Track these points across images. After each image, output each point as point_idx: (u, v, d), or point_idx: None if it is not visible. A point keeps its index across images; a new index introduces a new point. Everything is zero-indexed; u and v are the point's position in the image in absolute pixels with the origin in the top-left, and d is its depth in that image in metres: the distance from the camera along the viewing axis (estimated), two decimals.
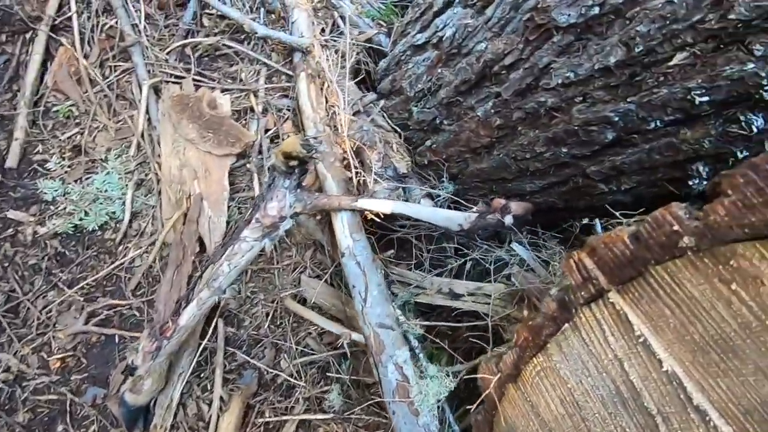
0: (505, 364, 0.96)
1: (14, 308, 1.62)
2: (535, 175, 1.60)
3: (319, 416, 1.70)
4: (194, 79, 1.97)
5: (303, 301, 1.81)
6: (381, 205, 1.54)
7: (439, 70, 1.70)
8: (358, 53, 2.13)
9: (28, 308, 1.62)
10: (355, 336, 1.52)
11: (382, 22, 2.37)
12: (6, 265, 1.66)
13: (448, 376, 1.29)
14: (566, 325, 0.76)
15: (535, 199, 1.71)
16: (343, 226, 1.53)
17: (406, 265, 1.78)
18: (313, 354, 1.76)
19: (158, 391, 1.54)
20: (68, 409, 1.54)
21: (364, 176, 1.68)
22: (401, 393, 1.23)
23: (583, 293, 0.70)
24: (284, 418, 1.68)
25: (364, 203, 1.53)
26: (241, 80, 2.00)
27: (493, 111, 1.52)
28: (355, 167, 1.66)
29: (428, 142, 1.90)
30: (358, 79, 2.14)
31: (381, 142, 1.75)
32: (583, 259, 0.69)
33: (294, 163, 1.35)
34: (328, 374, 1.78)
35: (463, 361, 1.37)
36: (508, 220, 1.66)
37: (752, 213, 0.54)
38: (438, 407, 1.25)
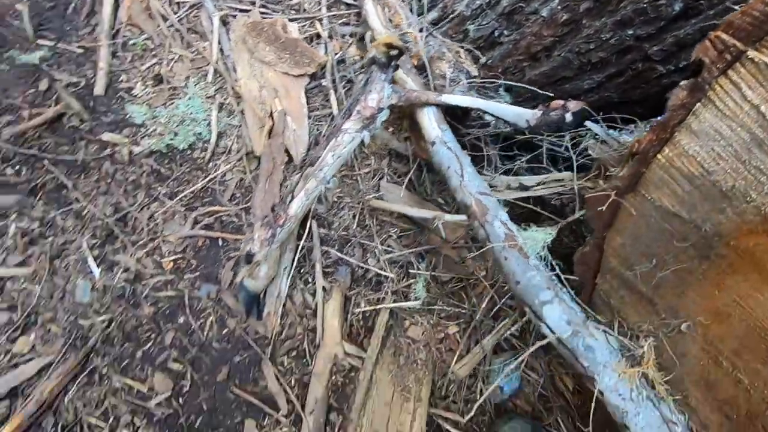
0: (620, 179, 1.13)
1: (123, 218, 1.73)
2: (595, 67, 1.78)
3: (408, 304, 1.86)
4: (260, 11, 2.09)
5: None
6: (462, 100, 1.70)
7: None
8: None
9: (136, 218, 1.73)
10: (448, 217, 1.68)
11: None
12: (109, 181, 1.76)
13: (546, 229, 1.47)
14: (697, 105, 0.93)
15: (590, 97, 1.89)
16: (430, 119, 1.68)
17: (476, 166, 1.94)
18: (395, 252, 1.91)
19: (271, 279, 1.67)
20: (186, 303, 1.66)
21: (437, 81, 1.84)
22: (510, 242, 1.40)
23: (718, 65, 0.87)
24: (378, 307, 1.84)
25: (447, 98, 1.68)
26: (304, 10, 2.12)
27: (559, 7, 1.68)
28: (431, 74, 1.82)
29: (482, 60, 2.07)
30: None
31: (450, 52, 1.91)
32: (719, 35, 0.86)
33: (394, 52, 1.49)
34: (410, 271, 1.94)
35: (557, 220, 1.54)
36: (569, 117, 1.84)
37: None
38: (543, 252, 1.42)
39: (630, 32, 1.58)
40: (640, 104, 1.83)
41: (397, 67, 1.62)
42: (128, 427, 1.47)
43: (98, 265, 1.62)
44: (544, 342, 1.28)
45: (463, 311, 1.96)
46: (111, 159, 1.79)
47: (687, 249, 1.05)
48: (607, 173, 1.41)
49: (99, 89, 1.88)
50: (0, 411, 1.32)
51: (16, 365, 1.40)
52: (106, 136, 1.82)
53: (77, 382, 1.46)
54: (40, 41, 1.85)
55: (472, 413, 1.36)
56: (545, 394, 1.89)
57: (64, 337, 1.48)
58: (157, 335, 1.61)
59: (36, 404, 1.35)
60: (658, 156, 1.04)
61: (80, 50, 1.90)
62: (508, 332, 1.89)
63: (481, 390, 1.90)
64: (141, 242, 1.70)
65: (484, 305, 1.93)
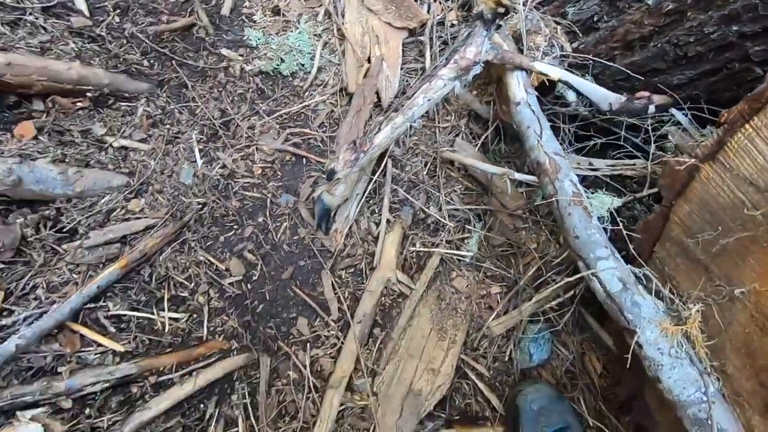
0: (704, 147, 1.20)
1: (226, 123, 1.95)
2: (690, 62, 1.81)
3: (459, 253, 1.98)
4: None
5: (451, 163, 2.09)
6: (553, 71, 1.80)
7: None
8: None
9: (237, 125, 1.95)
10: (518, 176, 1.79)
11: None
12: (220, 90, 1.99)
13: (613, 196, 1.55)
14: None
15: (678, 93, 1.92)
16: (519, 81, 1.79)
17: None
18: (456, 206, 2.03)
19: (344, 199, 1.84)
20: (267, 205, 1.86)
21: (530, 52, 1.93)
22: (576, 200, 1.49)
23: None
24: (431, 250, 1.97)
25: (539, 65, 1.78)
26: None
27: None
28: (526, 44, 1.92)
29: (576, 43, 2.14)
30: None
31: (547, 28, 2.00)
32: None
33: (501, 10, 1.61)
34: (466, 226, 2.06)
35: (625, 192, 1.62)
36: (651, 109, 1.89)
37: None
38: (607, 215, 1.51)
39: (735, 28, 1.61)
40: (727, 107, 1.85)
41: (499, 26, 1.74)
42: (204, 295, 1.69)
43: (201, 157, 1.85)
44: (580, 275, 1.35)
45: (508, 275, 2.06)
46: (225, 71, 2.02)
47: (756, 217, 1.11)
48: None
49: (225, 10, 2.12)
50: (112, 251, 1.57)
51: (128, 219, 1.65)
52: (225, 51, 2.05)
53: (171, 246, 1.69)
54: None
55: None
56: (572, 371, 1.97)
57: (167, 207, 1.71)
58: (238, 227, 1.82)
59: (139, 253, 1.59)
60: (746, 125, 1.11)
61: None
62: (548, 305, 1.97)
63: (510, 352, 2.00)
64: (238, 146, 1.92)
65: (529, 274, 2.03)
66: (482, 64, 1.75)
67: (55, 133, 1.65)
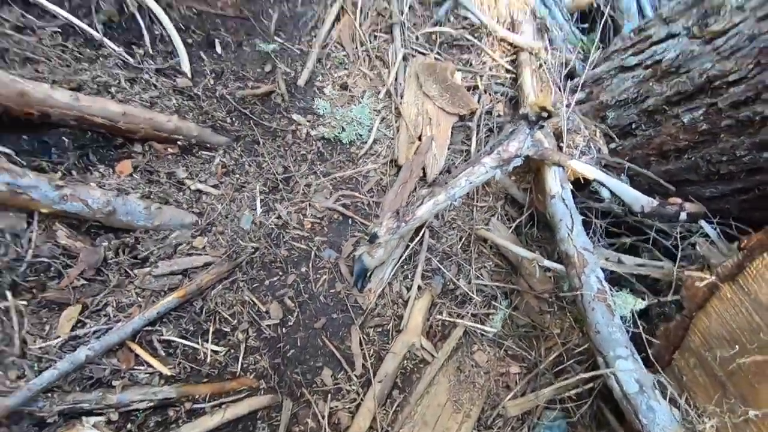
0: (725, 267, 1.29)
1: (287, 179, 2.19)
2: (722, 179, 1.93)
3: (483, 328, 2.06)
4: (435, 57, 2.55)
5: (484, 241, 2.23)
6: (588, 170, 1.95)
7: (651, 84, 2.11)
8: (560, 65, 2.62)
9: (296, 182, 2.19)
10: (547, 263, 1.90)
11: (580, 50, 2.86)
12: (286, 149, 2.26)
13: (637, 298, 1.62)
14: None
15: (709, 205, 2.02)
16: (555, 176, 1.95)
17: None
18: (485, 281, 2.14)
19: (381, 262, 2.00)
20: (311, 257, 2.04)
21: (569, 149, 2.10)
22: (600, 296, 1.58)
23: None
24: (456, 320, 2.07)
25: (576, 165, 1.94)
26: (470, 65, 2.55)
27: (702, 118, 1.89)
28: (567, 144, 2.10)
29: (613, 144, 2.30)
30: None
31: (587, 129, 2.18)
32: None
33: (545, 114, 1.80)
34: (492, 303, 2.15)
35: (650, 295, 1.69)
36: (683, 216, 1.99)
37: None
38: (629, 315, 1.58)
39: (765, 155, 1.73)
40: (758, 226, 1.93)
41: (542, 127, 1.93)
42: (244, 333, 1.84)
43: (261, 206, 2.08)
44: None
45: (529, 357, 2.11)
46: (293, 134, 2.30)
47: None
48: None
49: (301, 81, 2.44)
50: (174, 281, 1.77)
51: (191, 254, 1.86)
52: (295, 116, 2.34)
53: (223, 283, 1.88)
54: (276, 38, 2.47)
55: None
56: None
57: (225, 248, 1.92)
58: (283, 273, 2.00)
59: (196, 286, 1.78)
60: (764, 254, 1.20)
61: (299, 51, 2.49)
62: (567, 393, 1.99)
63: None
64: (294, 200, 2.14)
65: (551, 359, 2.07)
66: (523, 158, 1.93)
67: (146, 172, 1.93)
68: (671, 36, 2.13)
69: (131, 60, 2.04)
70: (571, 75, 2.70)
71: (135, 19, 2.13)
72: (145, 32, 2.13)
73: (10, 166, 1.45)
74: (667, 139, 2.06)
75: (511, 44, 2.54)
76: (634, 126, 2.21)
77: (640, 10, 3.08)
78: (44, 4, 1.89)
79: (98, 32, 1.99)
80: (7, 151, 1.56)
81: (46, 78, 1.75)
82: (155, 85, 2.04)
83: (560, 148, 2.10)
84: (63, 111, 1.68)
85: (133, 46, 2.10)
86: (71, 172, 1.74)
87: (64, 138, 1.77)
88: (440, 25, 2.66)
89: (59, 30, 1.91)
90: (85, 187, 1.62)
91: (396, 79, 2.52)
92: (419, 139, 2.33)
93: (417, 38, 2.62)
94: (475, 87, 2.50)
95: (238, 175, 2.11)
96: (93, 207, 1.61)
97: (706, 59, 1.88)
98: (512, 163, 1.93)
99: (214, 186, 2.04)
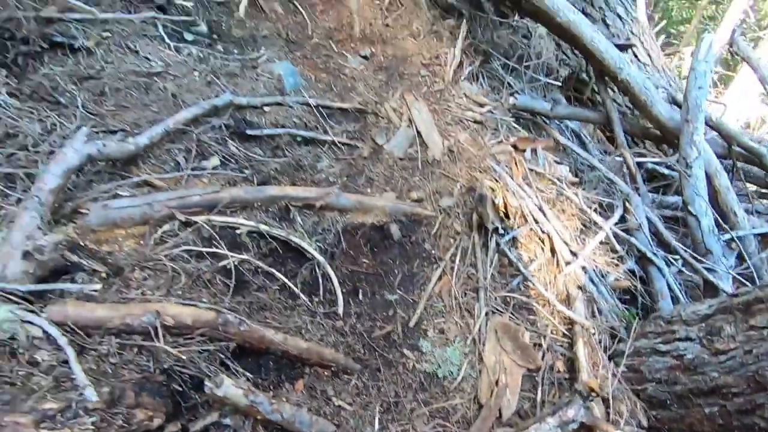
0: None
1: (396, 403, 3.01)
2: None
3: None
4: (509, 316, 3.51)
5: None
6: None
7: (677, 374, 2.84)
8: (608, 334, 3.44)
9: (404, 406, 2.99)
10: None
11: (623, 318, 3.71)
12: (398, 378, 3.13)
13: None
14: None
15: None
16: None
17: None
18: None
19: None
20: None
21: (616, 417, 2.76)
22: None
23: None
24: None
25: None
26: (536, 326, 3.46)
27: (717, 414, 2.54)
28: (614, 411, 2.77)
29: (653, 412, 2.92)
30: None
31: (628, 399, 2.86)
32: None
33: (593, 395, 2.56)
34: None
35: None
36: None
37: None
38: None
39: None
40: None
41: (593, 400, 2.66)
42: None
43: (378, 424, 2.86)
44: None
45: None
46: (403, 365, 3.21)
47: None
48: None
49: (412, 323, 3.45)
50: None
51: None
52: (406, 351, 3.28)
53: None
54: (398, 290, 3.61)
55: None
56: None
57: None
58: None
59: None
60: None
61: (411, 301, 3.58)
62: None
63: None
64: (401, 422, 2.91)
65: None
66: (578, 423, 2.62)
67: (309, 389, 2.85)
68: (689, 339, 2.93)
69: (311, 305, 3.20)
70: (616, 340, 3.49)
71: (316, 277, 3.37)
72: (321, 286, 3.34)
73: (253, 388, 2.43)
74: (694, 422, 2.68)
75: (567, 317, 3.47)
76: (668, 402, 2.86)
77: (671, 290, 3.96)
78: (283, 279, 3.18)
79: (297, 288, 3.21)
80: (249, 375, 2.58)
81: (270, 323, 2.88)
82: (323, 325, 3.13)
83: (608, 414, 2.78)
84: (277, 346, 2.74)
85: (312, 296, 3.29)
86: (270, 387, 2.71)
87: (270, 362, 2.80)
88: (513, 292, 3.70)
89: (279, 288, 3.15)
90: (283, 403, 2.55)
91: (479, 330, 3.47)
92: (496, 383, 3.12)
93: (496, 299, 3.65)
94: (539, 345, 3.35)
95: (365, 396, 2.98)
96: (285, 418, 2.50)
97: (713, 368, 2.62)
98: (570, 425, 2.62)
99: (349, 403, 2.90)
